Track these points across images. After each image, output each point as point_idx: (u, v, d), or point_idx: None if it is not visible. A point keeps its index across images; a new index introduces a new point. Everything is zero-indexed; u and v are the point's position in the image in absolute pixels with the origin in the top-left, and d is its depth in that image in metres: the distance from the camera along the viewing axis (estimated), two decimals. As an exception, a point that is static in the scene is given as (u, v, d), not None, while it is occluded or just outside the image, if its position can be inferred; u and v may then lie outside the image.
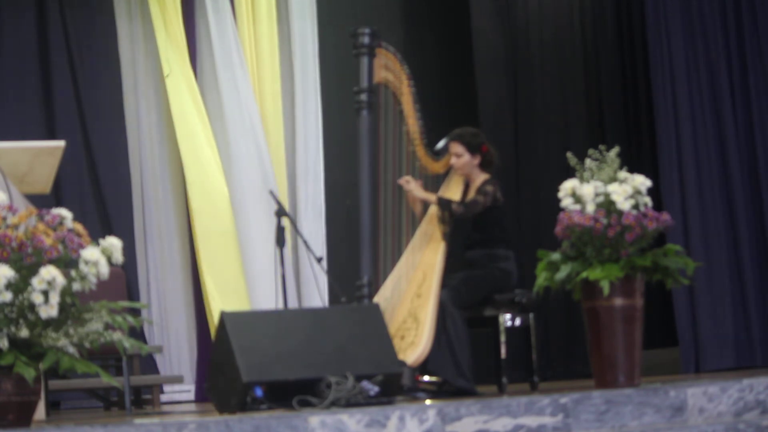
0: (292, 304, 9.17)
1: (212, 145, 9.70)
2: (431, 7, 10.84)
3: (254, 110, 9.87)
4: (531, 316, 7.38)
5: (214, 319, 9.42)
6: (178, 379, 9.05)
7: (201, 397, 9.33)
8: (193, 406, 8.86)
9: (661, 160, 9.26)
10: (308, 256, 7.45)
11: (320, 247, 9.99)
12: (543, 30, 10.50)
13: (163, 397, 9.19)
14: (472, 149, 7.39)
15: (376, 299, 7.21)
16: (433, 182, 7.47)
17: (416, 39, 10.66)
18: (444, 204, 7.27)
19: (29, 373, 4.87)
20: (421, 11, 10.83)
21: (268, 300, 8.91)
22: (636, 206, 6.14)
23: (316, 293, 9.26)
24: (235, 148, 9.78)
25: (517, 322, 7.34)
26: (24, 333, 4.92)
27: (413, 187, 7.34)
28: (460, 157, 7.38)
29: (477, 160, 7.41)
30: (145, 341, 9.35)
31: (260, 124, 9.87)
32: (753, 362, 8.96)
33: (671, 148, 9.21)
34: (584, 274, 6.10)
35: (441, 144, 7.45)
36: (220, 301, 9.40)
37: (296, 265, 9.86)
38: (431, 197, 7.32)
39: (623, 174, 6.18)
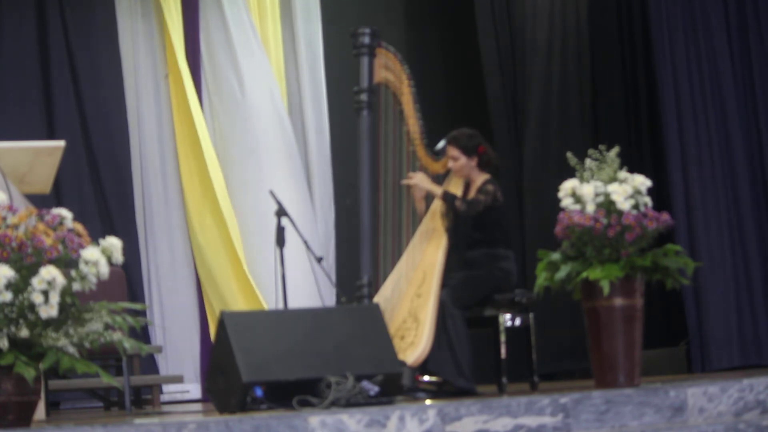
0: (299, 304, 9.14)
1: (210, 143, 9.71)
2: (435, 7, 10.85)
3: (280, 102, 9.89)
4: (531, 316, 7.38)
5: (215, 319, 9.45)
6: (178, 379, 9.05)
7: (207, 396, 9.33)
8: (193, 406, 8.86)
9: (668, 158, 9.27)
10: (309, 256, 7.45)
11: (330, 247, 10.01)
12: (543, 29, 10.50)
13: (163, 397, 9.19)
14: (468, 152, 7.38)
15: (376, 299, 7.21)
16: (433, 182, 7.46)
17: (420, 39, 10.67)
18: (449, 198, 7.27)
19: (29, 373, 4.87)
20: (425, 12, 10.84)
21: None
22: (636, 206, 6.14)
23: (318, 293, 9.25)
24: (264, 140, 9.77)
25: (517, 322, 7.34)
26: (24, 333, 4.92)
27: (420, 179, 7.33)
28: (457, 160, 7.38)
29: (474, 162, 7.40)
30: (148, 341, 9.36)
31: (286, 115, 9.88)
32: (760, 360, 8.97)
33: (676, 147, 9.23)
34: (584, 274, 6.10)
35: (441, 144, 7.45)
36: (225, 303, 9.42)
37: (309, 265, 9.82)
38: (437, 190, 7.32)
39: (623, 174, 6.18)
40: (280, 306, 7.28)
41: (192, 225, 9.68)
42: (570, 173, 6.29)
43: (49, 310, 4.92)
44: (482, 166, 7.43)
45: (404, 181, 7.37)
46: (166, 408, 8.50)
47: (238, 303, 9.47)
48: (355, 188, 7.42)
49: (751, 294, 9.09)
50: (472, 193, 7.37)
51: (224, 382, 5.99)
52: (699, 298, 9.06)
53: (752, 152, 9.23)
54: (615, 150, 6.24)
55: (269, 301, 9.41)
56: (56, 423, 5.78)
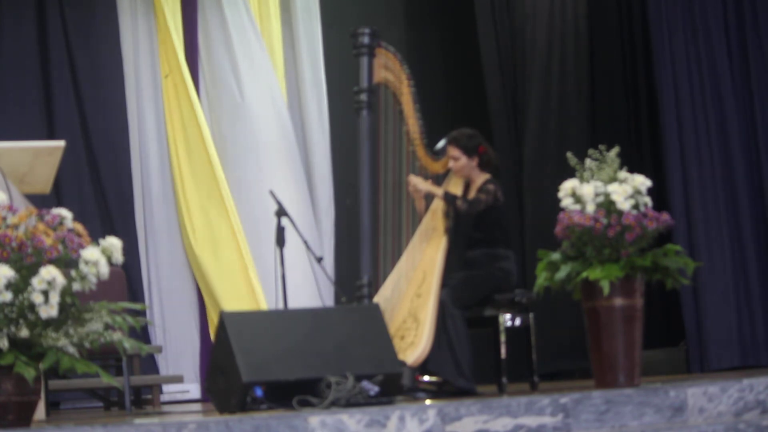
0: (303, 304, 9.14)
1: (211, 143, 9.71)
2: (435, 7, 10.85)
3: (280, 102, 9.89)
4: (531, 316, 7.38)
5: (214, 319, 9.44)
6: (178, 379, 9.05)
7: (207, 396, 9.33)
8: (193, 406, 8.86)
9: (667, 159, 9.28)
10: (309, 256, 7.46)
11: (330, 247, 10.01)
12: (543, 29, 10.50)
13: (163, 397, 9.19)
14: (468, 152, 7.38)
15: (376, 299, 7.21)
16: (433, 182, 7.47)
17: (420, 39, 10.67)
18: (449, 199, 7.27)
19: (29, 373, 4.88)
20: (425, 12, 10.84)
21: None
22: (636, 206, 6.14)
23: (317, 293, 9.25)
24: (263, 140, 9.76)
25: (517, 322, 7.34)
26: (24, 333, 4.92)
27: (417, 181, 7.33)
28: (458, 160, 7.38)
29: (475, 162, 7.40)
30: (148, 341, 9.36)
31: (286, 115, 9.88)
32: (758, 361, 8.97)
33: (675, 147, 9.24)
34: (584, 274, 6.10)
35: (440, 144, 7.45)
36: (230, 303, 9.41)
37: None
38: (438, 191, 7.33)
39: (623, 174, 6.18)
40: (280, 306, 7.28)
41: (184, 224, 9.67)
42: (570, 173, 6.29)
43: (49, 310, 4.92)
44: (483, 166, 7.43)
45: (407, 180, 7.38)
46: (166, 408, 8.50)
47: (233, 302, 9.45)
48: (355, 188, 7.43)
49: (749, 294, 9.09)
50: (472, 193, 7.37)
51: (224, 382, 5.99)
52: (697, 298, 9.06)
53: (750, 152, 9.23)
54: (615, 150, 6.24)
55: (267, 301, 9.41)
56: (56, 423, 5.78)
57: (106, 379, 5.14)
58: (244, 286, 9.56)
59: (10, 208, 5.10)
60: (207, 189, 9.67)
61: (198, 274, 9.66)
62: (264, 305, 9.42)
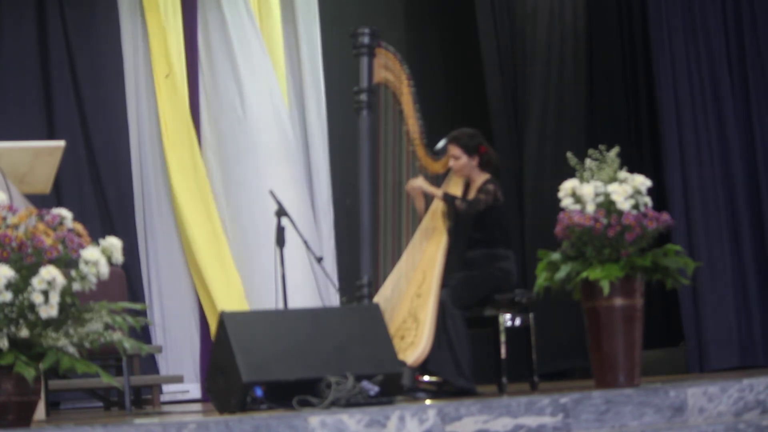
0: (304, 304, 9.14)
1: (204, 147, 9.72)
2: (435, 7, 10.86)
3: (280, 102, 9.88)
4: (531, 316, 7.38)
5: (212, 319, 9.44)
6: (178, 379, 9.06)
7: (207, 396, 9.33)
8: (193, 406, 8.86)
9: (667, 159, 9.28)
10: (309, 256, 7.46)
11: (330, 247, 10.01)
12: (543, 29, 10.50)
13: (163, 397, 9.19)
14: (469, 151, 7.38)
15: (376, 299, 7.21)
16: (433, 182, 7.47)
17: (420, 39, 10.67)
18: (449, 200, 7.28)
19: (29, 373, 4.88)
20: (425, 12, 10.84)
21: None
22: (636, 206, 6.14)
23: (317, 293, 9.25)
24: (263, 140, 9.76)
25: (517, 322, 7.34)
26: (24, 333, 4.93)
27: (418, 183, 7.34)
28: (458, 159, 7.38)
29: (475, 161, 7.40)
30: (148, 341, 9.36)
31: (286, 115, 9.88)
32: (756, 362, 8.97)
33: (675, 147, 9.24)
34: (584, 274, 6.10)
35: (440, 144, 7.45)
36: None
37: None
38: (437, 192, 7.33)
39: (623, 174, 6.19)
40: (280, 306, 7.28)
41: (181, 223, 9.68)
42: (570, 173, 6.29)
43: (49, 310, 4.93)
44: (483, 165, 7.43)
45: (407, 187, 7.38)
46: (166, 408, 8.50)
47: (230, 303, 9.45)
48: (355, 188, 7.42)
49: (748, 294, 9.09)
50: (472, 193, 7.37)
51: (224, 382, 5.99)
52: (696, 299, 9.07)
53: (748, 152, 9.24)
54: (615, 150, 6.24)
55: (269, 301, 9.41)
56: (56, 423, 5.78)
57: (106, 379, 5.15)
58: (231, 287, 9.58)
59: (10, 208, 5.11)
60: (200, 187, 9.67)
61: (195, 274, 9.65)
62: (246, 306, 9.43)
